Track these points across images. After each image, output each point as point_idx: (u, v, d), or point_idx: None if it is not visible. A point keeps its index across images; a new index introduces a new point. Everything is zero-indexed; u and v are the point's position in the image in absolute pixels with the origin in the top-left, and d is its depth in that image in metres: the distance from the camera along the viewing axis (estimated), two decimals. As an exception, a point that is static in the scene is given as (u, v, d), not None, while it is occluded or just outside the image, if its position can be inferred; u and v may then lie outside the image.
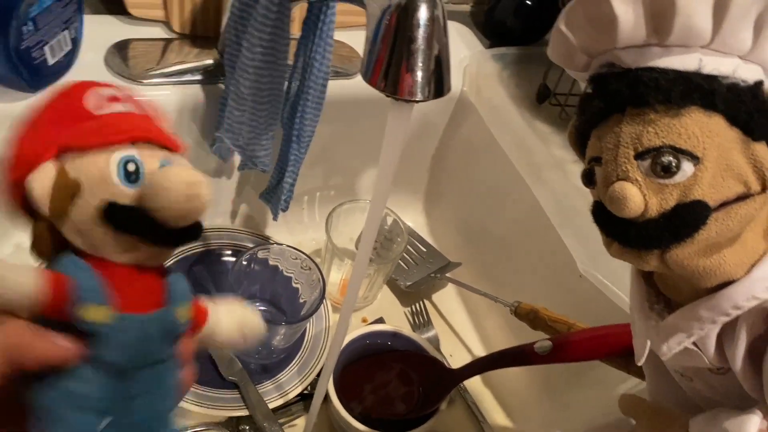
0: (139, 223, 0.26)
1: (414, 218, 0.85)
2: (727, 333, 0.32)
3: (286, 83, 0.57)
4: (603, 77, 0.32)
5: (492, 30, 0.83)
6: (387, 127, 0.37)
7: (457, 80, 0.76)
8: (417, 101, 0.35)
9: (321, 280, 0.63)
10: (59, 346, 0.25)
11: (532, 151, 0.68)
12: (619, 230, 0.31)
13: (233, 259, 0.71)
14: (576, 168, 0.68)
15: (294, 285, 0.67)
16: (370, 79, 0.35)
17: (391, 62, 0.34)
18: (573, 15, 0.33)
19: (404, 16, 0.34)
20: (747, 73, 0.31)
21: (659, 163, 0.29)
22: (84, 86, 0.28)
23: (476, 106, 0.73)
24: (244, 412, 0.59)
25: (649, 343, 0.36)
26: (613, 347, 0.52)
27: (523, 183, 0.66)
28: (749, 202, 0.30)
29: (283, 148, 0.61)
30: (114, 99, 0.28)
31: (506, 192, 0.71)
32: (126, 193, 0.26)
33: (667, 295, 0.36)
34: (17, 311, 0.26)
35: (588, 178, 0.33)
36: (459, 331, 0.74)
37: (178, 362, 0.30)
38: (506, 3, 0.80)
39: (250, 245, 0.71)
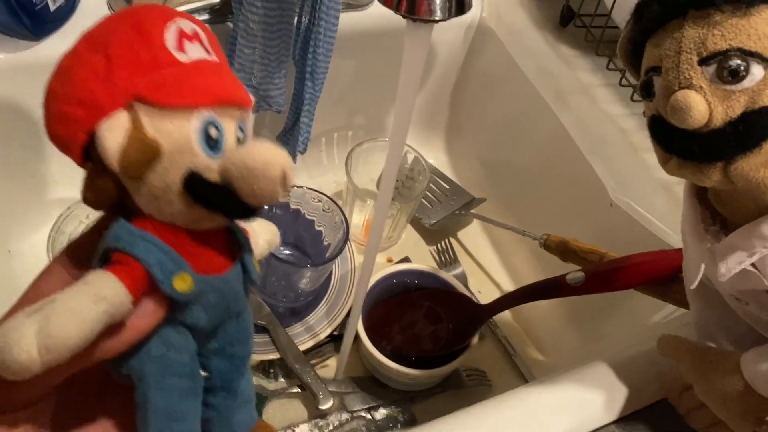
0: (224, 201, 0.24)
1: (436, 155, 0.83)
2: None
3: (296, 18, 0.54)
4: None
5: (510, -49, 0.78)
6: (405, 53, 0.35)
7: (475, 6, 0.72)
8: (437, 20, 0.32)
9: (344, 221, 0.61)
10: (141, 319, 0.24)
11: (557, 76, 0.65)
12: (681, 144, 0.29)
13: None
14: (604, 92, 0.65)
15: (317, 228, 0.66)
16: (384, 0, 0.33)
17: (406, -21, 0.32)
18: None
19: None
20: None
21: (726, 67, 0.27)
22: (164, 15, 0.24)
23: (496, 33, 0.70)
24: (276, 355, 0.59)
25: (703, 266, 0.34)
26: (648, 275, 0.50)
27: (549, 110, 0.63)
28: None
29: (297, 87, 0.59)
30: (194, 37, 0.24)
31: (531, 121, 0.68)
32: (208, 164, 0.23)
33: (723, 215, 0.34)
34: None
35: (646, 90, 0.31)
36: (486, 268, 0.73)
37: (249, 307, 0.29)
38: None
39: (271, 190, 0.70)
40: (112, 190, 0.23)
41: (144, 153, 0.22)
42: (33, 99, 0.54)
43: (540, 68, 0.66)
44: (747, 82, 0.27)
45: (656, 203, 0.55)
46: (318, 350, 0.62)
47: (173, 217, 0.24)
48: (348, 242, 0.67)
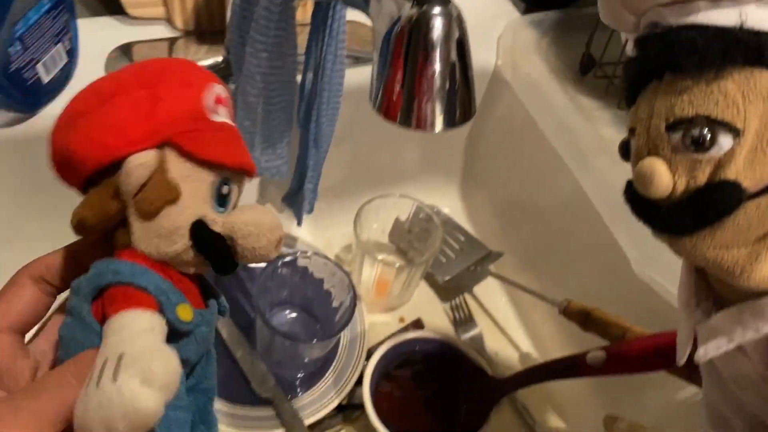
0: (221, 252, 0.26)
1: (450, 203, 0.79)
2: None
3: (299, 86, 0.52)
4: (644, 39, 0.28)
5: (527, -9, 0.75)
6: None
7: (490, 54, 0.69)
8: (436, 132, 0.30)
9: (350, 284, 0.59)
10: None
11: (577, 132, 0.62)
12: (646, 212, 0.28)
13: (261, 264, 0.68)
14: (627, 149, 0.61)
15: (326, 288, 0.63)
16: (380, 109, 0.30)
17: (403, 90, 0.29)
18: None
19: (416, 31, 0.28)
20: None
21: (690, 135, 0.25)
22: (207, 75, 0.26)
23: (512, 84, 0.66)
24: (280, 431, 0.56)
25: (690, 344, 0.31)
26: (673, 358, 0.47)
27: (567, 170, 0.60)
28: None
29: (302, 152, 0.56)
30: (224, 102, 0.27)
31: (549, 179, 0.65)
32: (214, 218, 0.26)
33: (718, 291, 0.31)
34: None
35: (624, 151, 0.30)
36: (504, 327, 0.70)
37: None
38: (541, -39, 0.72)
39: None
40: (115, 216, 0.25)
41: (165, 193, 0.24)
42: (25, 173, 0.53)
43: (558, 123, 0.63)
44: (714, 152, 0.25)
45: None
46: (327, 422, 0.60)
47: (167, 256, 0.25)
48: (357, 304, 0.64)
